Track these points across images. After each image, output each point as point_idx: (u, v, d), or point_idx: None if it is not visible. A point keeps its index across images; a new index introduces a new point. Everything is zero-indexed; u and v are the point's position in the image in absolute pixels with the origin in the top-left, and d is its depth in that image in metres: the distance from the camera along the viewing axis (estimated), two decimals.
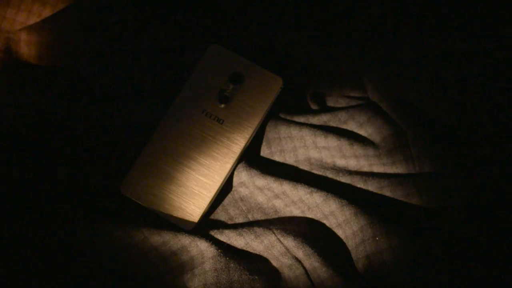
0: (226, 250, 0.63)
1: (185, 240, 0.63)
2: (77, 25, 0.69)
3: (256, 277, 0.62)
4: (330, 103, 0.71)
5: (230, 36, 0.73)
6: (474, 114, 0.66)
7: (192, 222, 0.66)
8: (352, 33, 0.71)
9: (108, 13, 0.70)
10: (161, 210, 0.67)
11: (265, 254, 0.64)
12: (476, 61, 0.67)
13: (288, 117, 0.70)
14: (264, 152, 0.70)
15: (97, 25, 0.70)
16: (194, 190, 0.67)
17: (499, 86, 0.67)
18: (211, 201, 0.67)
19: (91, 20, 0.69)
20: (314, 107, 0.71)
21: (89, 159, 0.68)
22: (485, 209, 0.64)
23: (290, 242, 0.63)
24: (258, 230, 0.64)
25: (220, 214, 0.68)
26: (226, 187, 0.68)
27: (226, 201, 0.69)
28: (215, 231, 0.65)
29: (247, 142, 0.67)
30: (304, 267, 0.63)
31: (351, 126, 0.69)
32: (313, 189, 0.65)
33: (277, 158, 0.69)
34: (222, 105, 0.68)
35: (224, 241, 0.64)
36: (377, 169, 0.67)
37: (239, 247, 0.64)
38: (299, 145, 0.68)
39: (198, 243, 0.63)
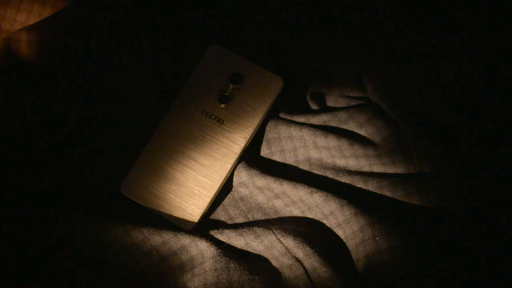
0: (226, 250, 0.63)
1: (185, 240, 0.63)
2: (77, 25, 0.69)
3: (256, 277, 0.62)
4: (330, 103, 0.71)
5: (230, 36, 0.73)
6: (474, 114, 0.66)
7: (192, 222, 0.66)
8: (352, 33, 0.71)
9: (108, 13, 0.70)
10: (161, 210, 0.67)
11: (265, 254, 0.64)
12: (476, 61, 0.67)
13: (288, 117, 0.70)
14: (264, 152, 0.70)
15: (97, 25, 0.70)
16: (194, 190, 0.67)
17: (499, 86, 0.67)
18: (211, 201, 0.67)
19: (91, 20, 0.69)
20: (314, 107, 0.71)
21: (89, 159, 0.68)
22: (485, 209, 0.64)
23: (290, 242, 0.63)
24: (258, 230, 0.64)
25: (220, 214, 0.68)
26: (226, 187, 0.68)
27: (226, 201, 0.69)
28: (215, 231, 0.65)
29: (247, 142, 0.67)
30: (304, 267, 0.63)
31: (351, 126, 0.69)
32: (313, 189, 0.65)
33: (277, 158, 0.69)
34: (222, 105, 0.68)
35: (224, 241, 0.64)
36: (377, 169, 0.67)
37: (239, 247, 0.64)
38: (299, 145, 0.68)
39: (198, 243, 0.63)
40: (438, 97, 0.67)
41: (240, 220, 0.68)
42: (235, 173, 0.68)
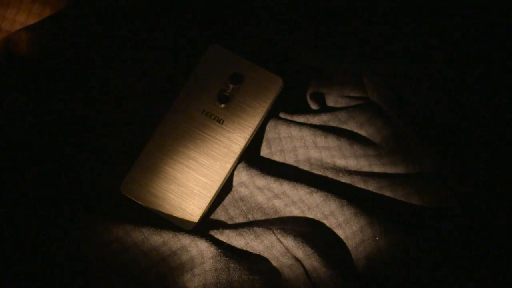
0: (226, 250, 0.63)
1: (185, 240, 0.63)
2: (77, 25, 0.69)
3: (256, 277, 0.62)
4: (330, 103, 0.71)
5: (230, 36, 0.73)
6: (474, 114, 0.66)
7: (192, 222, 0.66)
8: (352, 33, 0.71)
9: (108, 13, 0.70)
10: (161, 210, 0.67)
11: (265, 254, 0.64)
12: (476, 61, 0.67)
13: (288, 117, 0.70)
14: (264, 152, 0.70)
15: (97, 25, 0.70)
16: (194, 190, 0.67)
17: (499, 86, 0.67)
18: (211, 201, 0.67)
19: (91, 20, 0.69)
20: (314, 107, 0.71)
21: (89, 159, 0.68)
22: (485, 209, 0.64)
23: (290, 242, 0.63)
24: (258, 230, 0.64)
25: (220, 214, 0.68)
26: (226, 187, 0.68)
27: (226, 201, 0.69)
28: (215, 231, 0.65)
29: (247, 142, 0.67)
30: (304, 267, 0.63)
31: (351, 126, 0.69)
32: (313, 189, 0.65)
33: (277, 158, 0.69)
34: (222, 105, 0.68)
35: (224, 241, 0.64)
36: (377, 169, 0.67)
37: (239, 247, 0.64)
38: (299, 145, 0.68)
39: (198, 243, 0.63)
40: (438, 97, 0.67)
41: (240, 220, 0.68)
42: (235, 173, 0.68)
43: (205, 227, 0.66)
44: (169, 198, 0.67)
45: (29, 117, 0.67)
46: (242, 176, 0.67)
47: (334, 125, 0.69)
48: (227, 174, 0.67)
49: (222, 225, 0.67)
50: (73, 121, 0.69)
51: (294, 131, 0.68)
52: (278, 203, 0.67)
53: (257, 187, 0.67)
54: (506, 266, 0.62)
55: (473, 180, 0.64)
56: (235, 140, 0.67)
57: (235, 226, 0.66)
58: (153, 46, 0.72)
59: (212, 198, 0.67)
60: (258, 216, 0.68)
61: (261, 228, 0.64)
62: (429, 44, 0.69)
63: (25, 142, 0.67)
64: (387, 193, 0.65)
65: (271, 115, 0.70)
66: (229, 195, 0.69)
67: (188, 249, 0.63)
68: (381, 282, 0.61)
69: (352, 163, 0.67)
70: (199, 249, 0.63)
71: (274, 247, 0.63)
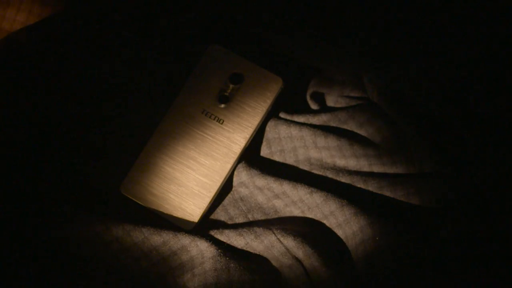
0: (226, 250, 0.63)
1: (185, 240, 0.63)
2: (77, 25, 0.69)
3: (256, 277, 0.62)
4: (330, 103, 0.71)
5: (230, 36, 0.73)
6: (474, 114, 0.66)
7: (192, 222, 0.66)
8: (352, 33, 0.71)
9: (108, 14, 0.70)
10: (161, 210, 0.67)
11: (265, 254, 0.64)
12: (476, 61, 0.67)
13: (288, 117, 0.70)
14: (264, 152, 0.70)
15: (97, 25, 0.70)
16: (194, 190, 0.67)
17: (500, 87, 0.67)
18: (211, 201, 0.67)
19: (91, 20, 0.69)
20: (314, 107, 0.71)
21: (89, 159, 0.68)
22: (485, 209, 0.64)
23: (290, 242, 0.63)
24: (258, 230, 0.64)
25: (220, 214, 0.68)
26: (226, 187, 0.68)
27: (226, 201, 0.69)
28: (215, 231, 0.65)
29: (247, 142, 0.67)
30: (304, 267, 0.63)
31: (351, 126, 0.69)
32: (313, 189, 0.65)
33: (277, 158, 0.69)
34: (222, 105, 0.68)
35: (224, 241, 0.64)
36: (377, 169, 0.67)
37: (239, 247, 0.64)
38: (299, 145, 0.68)
39: (198, 243, 0.63)
40: (438, 97, 0.67)
41: (240, 220, 0.68)
42: (235, 173, 0.68)
43: (205, 227, 0.66)
44: (169, 198, 0.67)
45: (29, 117, 0.67)
46: (242, 176, 0.67)
47: (334, 125, 0.69)
48: (227, 174, 0.67)
49: (222, 225, 0.67)
50: (73, 121, 0.69)
51: (294, 131, 0.68)
52: (278, 203, 0.67)
53: (257, 187, 0.67)
54: (506, 266, 0.62)
55: (473, 180, 0.64)
56: (235, 140, 0.67)
57: (235, 226, 0.66)
58: (153, 46, 0.72)
59: (212, 198, 0.67)
60: (258, 216, 0.68)
61: (261, 228, 0.64)
62: (429, 44, 0.69)
63: (25, 142, 0.67)
64: (387, 193, 0.65)
65: (271, 115, 0.70)
66: (229, 195, 0.69)
67: (188, 249, 0.63)
68: (381, 282, 0.61)
69: (352, 163, 0.67)
70: (199, 249, 0.63)
71: (274, 247, 0.63)
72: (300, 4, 0.72)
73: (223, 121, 0.67)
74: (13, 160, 0.66)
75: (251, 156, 0.69)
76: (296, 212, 0.66)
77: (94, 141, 0.68)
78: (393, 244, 0.62)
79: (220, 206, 0.69)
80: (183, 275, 0.62)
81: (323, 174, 0.68)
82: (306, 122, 0.70)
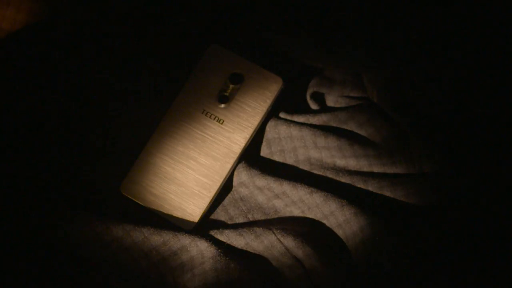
0: (226, 250, 0.63)
1: (185, 240, 0.63)
2: (77, 24, 0.69)
3: (256, 277, 0.62)
4: (330, 103, 0.71)
5: (230, 36, 0.73)
6: (474, 114, 0.66)
7: (192, 222, 0.66)
8: (352, 33, 0.71)
9: (108, 14, 0.70)
10: (161, 210, 0.67)
11: (265, 254, 0.64)
12: (477, 61, 0.67)
13: (288, 117, 0.70)
14: (264, 152, 0.70)
15: (97, 25, 0.70)
16: (194, 190, 0.67)
17: (500, 87, 0.67)
18: (211, 201, 0.67)
19: (92, 20, 0.69)
20: (314, 107, 0.71)
21: (89, 159, 0.68)
22: (485, 209, 0.64)
23: (290, 242, 0.63)
24: (258, 230, 0.64)
25: (220, 214, 0.68)
26: (226, 187, 0.68)
27: (226, 201, 0.69)
28: (215, 231, 0.65)
29: (247, 142, 0.67)
30: (304, 267, 0.63)
31: (351, 126, 0.69)
32: (313, 189, 0.65)
33: (277, 158, 0.69)
34: (222, 105, 0.68)
35: (224, 241, 0.64)
36: (377, 169, 0.67)
37: (239, 247, 0.64)
38: (299, 145, 0.68)
39: (198, 243, 0.63)
40: (438, 97, 0.67)
41: (240, 220, 0.68)
42: (235, 173, 0.68)
43: (205, 227, 0.66)
44: (169, 198, 0.67)
45: (29, 117, 0.67)
46: (242, 176, 0.67)
47: (334, 125, 0.69)
48: (227, 174, 0.67)
49: (222, 225, 0.67)
50: (73, 121, 0.69)
51: (294, 131, 0.68)
52: (278, 203, 0.67)
53: (257, 187, 0.67)
54: (506, 265, 0.62)
55: (473, 180, 0.64)
56: (235, 140, 0.67)
57: (235, 226, 0.66)
58: (153, 46, 0.72)
59: (212, 198, 0.67)
60: (258, 216, 0.68)
61: (261, 228, 0.64)
62: (429, 44, 0.69)
63: (24, 142, 0.67)
64: (387, 193, 0.65)
65: (271, 115, 0.70)
66: (229, 195, 0.69)
67: (188, 249, 0.63)
68: (382, 282, 0.61)
69: (352, 163, 0.67)
70: (199, 249, 0.63)
71: (274, 247, 0.63)
72: (300, 4, 0.72)
73: (223, 121, 0.67)
74: (13, 160, 0.66)
75: (251, 156, 0.69)
76: (296, 212, 0.66)
77: (94, 141, 0.68)
78: (393, 244, 0.62)
79: (220, 206, 0.69)
80: (183, 275, 0.62)
81: (323, 174, 0.68)
82: (306, 122, 0.70)
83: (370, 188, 0.66)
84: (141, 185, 0.67)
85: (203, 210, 0.67)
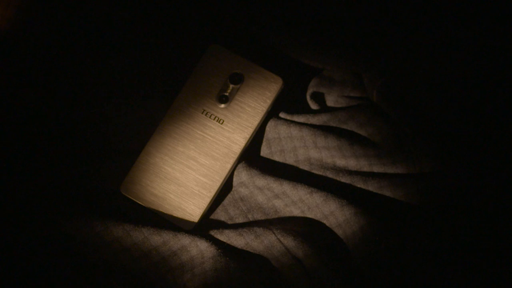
0: (226, 250, 0.63)
1: (185, 240, 0.63)
2: (77, 24, 0.69)
3: (256, 277, 0.62)
4: (330, 103, 0.71)
5: (230, 36, 0.73)
6: (474, 114, 0.66)
7: (192, 222, 0.66)
8: (352, 33, 0.71)
9: (108, 13, 0.70)
10: (161, 210, 0.67)
11: (265, 254, 0.64)
12: (477, 61, 0.67)
13: (288, 117, 0.70)
14: (264, 152, 0.70)
15: (97, 25, 0.70)
16: (194, 190, 0.67)
17: (500, 86, 0.67)
18: (211, 201, 0.67)
19: (91, 20, 0.69)
20: (314, 107, 0.71)
21: (89, 159, 0.68)
22: (485, 209, 0.64)
23: (290, 242, 0.63)
24: (258, 230, 0.64)
25: (220, 214, 0.68)
26: (226, 187, 0.68)
27: (226, 201, 0.69)
28: (215, 231, 0.65)
29: (247, 142, 0.67)
30: (304, 267, 0.63)
31: (351, 126, 0.69)
32: (313, 189, 0.65)
33: (277, 158, 0.69)
34: (222, 105, 0.68)
35: (224, 241, 0.64)
36: (377, 169, 0.67)
37: (239, 247, 0.64)
38: (299, 145, 0.68)
39: (198, 243, 0.63)
40: (438, 97, 0.67)
41: (240, 220, 0.68)
42: (235, 173, 0.68)
43: (205, 227, 0.66)
44: (169, 198, 0.67)
45: (29, 116, 0.67)
46: (242, 176, 0.67)
47: (334, 125, 0.69)
48: (227, 174, 0.67)
49: (222, 225, 0.67)
50: (73, 121, 0.69)
51: (294, 131, 0.68)
52: (278, 203, 0.67)
53: (257, 187, 0.67)
54: (506, 265, 0.62)
55: (473, 180, 0.64)
56: (235, 140, 0.67)
57: (235, 226, 0.66)
58: (153, 46, 0.72)
59: (212, 198, 0.67)
60: (258, 216, 0.68)
61: (261, 228, 0.64)
62: (429, 44, 0.69)
63: (24, 141, 0.67)
64: (387, 193, 0.65)
65: (271, 115, 0.70)
66: (229, 195, 0.69)
67: (188, 249, 0.63)
68: (382, 282, 0.61)
69: (352, 163, 0.67)
70: (199, 249, 0.63)
71: (274, 247, 0.63)
72: (300, 4, 0.72)
73: (223, 121, 0.67)
74: (12, 160, 0.66)
75: (251, 156, 0.69)
76: (296, 212, 0.66)
77: (94, 141, 0.68)
78: (393, 244, 0.62)
79: (220, 206, 0.69)
80: (183, 275, 0.62)
81: (323, 174, 0.68)
82: (306, 122, 0.70)
83: (370, 188, 0.66)
84: (141, 185, 0.67)
85: (203, 210, 0.67)
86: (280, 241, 0.63)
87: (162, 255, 0.63)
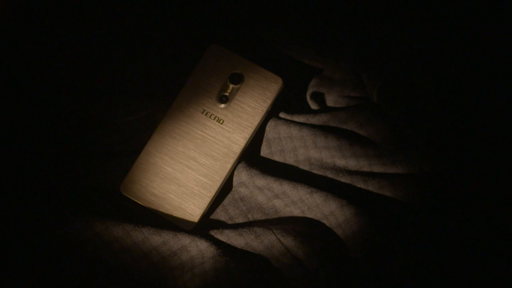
0: (226, 250, 0.63)
1: (185, 240, 0.63)
2: (77, 24, 0.69)
3: (256, 277, 0.62)
4: (330, 103, 0.71)
5: (230, 36, 0.73)
6: (474, 114, 0.66)
7: (192, 222, 0.66)
8: (351, 33, 0.71)
9: (108, 14, 0.70)
10: (161, 210, 0.67)
11: (265, 254, 0.64)
12: (476, 60, 0.67)
13: (288, 117, 0.70)
14: (264, 152, 0.70)
15: (97, 25, 0.70)
16: (194, 190, 0.67)
17: (500, 86, 0.67)
18: (211, 201, 0.67)
19: (91, 20, 0.69)
20: (314, 107, 0.71)
21: (89, 159, 0.68)
22: (485, 209, 0.64)
23: (290, 242, 0.63)
24: (258, 230, 0.64)
25: (220, 214, 0.68)
26: (226, 187, 0.68)
27: (226, 201, 0.69)
28: (215, 231, 0.65)
29: (247, 142, 0.67)
30: (304, 267, 0.63)
31: (351, 126, 0.69)
32: (313, 189, 0.65)
33: (277, 158, 0.69)
34: (222, 105, 0.68)
35: (224, 241, 0.64)
36: (377, 169, 0.67)
37: (239, 247, 0.64)
38: (299, 145, 0.68)
39: (198, 243, 0.63)
40: (438, 97, 0.67)
41: (240, 220, 0.68)
42: (235, 173, 0.68)
43: (205, 227, 0.66)
44: (169, 198, 0.67)
45: (29, 116, 0.67)
46: (242, 176, 0.67)
47: (334, 125, 0.69)
48: (227, 174, 0.67)
49: (222, 225, 0.67)
50: (73, 120, 0.69)
51: (294, 131, 0.68)
52: (278, 203, 0.67)
53: (257, 187, 0.67)
54: (506, 265, 0.62)
55: (473, 180, 0.64)
56: (235, 140, 0.67)
57: (235, 226, 0.66)
58: (153, 46, 0.72)
59: (212, 198, 0.67)
60: (258, 216, 0.68)
61: (261, 228, 0.64)
62: (429, 44, 0.69)
63: (24, 141, 0.67)
64: (387, 193, 0.65)
65: (271, 115, 0.70)
66: (229, 195, 0.69)
67: (188, 249, 0.63)
68: (382, 282, 0.61)
69: (352, 163, 0.67)
70: (199, 249, 0.63)
71: (274, 247, 0.63)
72: (300, 4, 0.72)
73: (223, 121, 0.68)
74: (12, 160, 0.66)
75: (251, 156, 0.69)
76: (296, 212, 0.66)
77: (94, 141, 0.68)
78: (393, 244, 0.62)
79: (220, 206, 0.69)
80: (183, 275, 0.62)
81: (323, 174, 0.68)
82: (306, 122, 0.70)
83: (370, 188, 0.66)
84: (141, 185, 0.67)
85: (203, 210, 0.67)
86: (280, 241, 0.63)
87: (162, 255, 0.63)
